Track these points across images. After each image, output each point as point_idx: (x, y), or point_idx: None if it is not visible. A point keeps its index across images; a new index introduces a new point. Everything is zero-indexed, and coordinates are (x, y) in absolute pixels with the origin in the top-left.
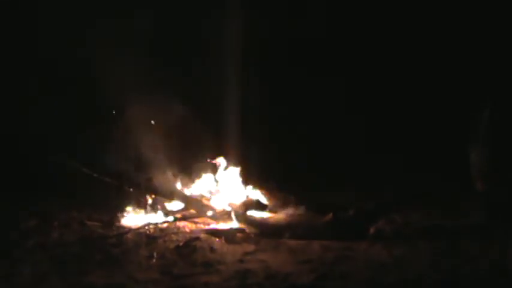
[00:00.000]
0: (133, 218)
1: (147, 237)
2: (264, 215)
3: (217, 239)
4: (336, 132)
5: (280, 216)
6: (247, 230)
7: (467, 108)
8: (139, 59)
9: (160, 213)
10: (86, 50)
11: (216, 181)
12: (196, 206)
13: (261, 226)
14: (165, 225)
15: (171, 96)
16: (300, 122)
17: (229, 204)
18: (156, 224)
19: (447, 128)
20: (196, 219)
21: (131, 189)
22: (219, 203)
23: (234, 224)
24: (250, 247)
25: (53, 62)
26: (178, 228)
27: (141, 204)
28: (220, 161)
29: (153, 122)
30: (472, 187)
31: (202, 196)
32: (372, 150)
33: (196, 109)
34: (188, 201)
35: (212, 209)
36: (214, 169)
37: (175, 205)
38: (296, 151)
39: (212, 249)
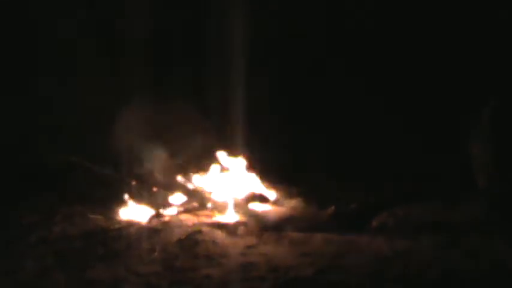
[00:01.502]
0: (135, 212)
1: (149, 230)
2: (266, 208)
3: (219, 232)
4: (338, 128)
5: (282, 209)
6: (249, 223)
7: (470, 104)
8: (141, 57)
9: (162, 206)
10: (86, 49)
11: (219, 174)
12: (198, 199)
13: (263, 219)
14: (167, 218)
15: (174, 92)
16: (302, 116)
17: (232, 197)
18: (158, 217)
19: (449, 124)
20: (198, 213)
21: (133, 183)
22: (221, 196)
23: (236, 217)
24: (252, 240)
25: (52, 60)
26: (180, 221)
27: (143, 198)
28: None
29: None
30: (474, 183)
31: (204, 189)
32: (374, 146)
33: (200, 103)
34: (190, 194)
35: (214, 202)
36: (216, 162)
37: (178, 198)
38: (299, 145)
39: (214, 243)
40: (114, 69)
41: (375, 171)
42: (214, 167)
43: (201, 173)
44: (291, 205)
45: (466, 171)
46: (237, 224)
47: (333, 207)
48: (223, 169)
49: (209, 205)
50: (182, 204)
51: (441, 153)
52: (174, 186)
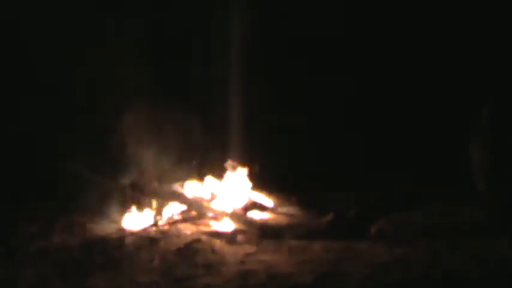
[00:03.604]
0: (134, 221)
1: (148, 239)
2: (265, 216)
3: (218, 241)
4: (337, 133)
5: (281, 217)
6: (248, 232)
7: (468, 107)
8: (139, 60)
9: (161, 215)
10: (85, 50)
11: (217, 182)
12: (197, 208)
13: (262, 227)
14: (166, 227)
15: (172, 97)
16: (301, 122)
17: (230, 206)
18: (157, 226)
19: (448, 127)
20: (197, 221)
21: (132, 192)
22: (220, 205)
23: (234, 225)
24: (252, 248)
25: (51, 63)
26: (179, 230)
27: (142, 207)
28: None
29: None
30: (473, 186)
31: (203, 198)
32: (373, 151)
33: (198, 111)
34: (189, 203)
35: (213, 210)
36: (215, 170)
37: (176, 207)
38: (298, 152)
39: (213, 251)
40: (114, 71)
41: (374, 176)
42: (213, 176)
43: (200, 182)
44: (289, 213)
45: (466, 174)
46: (236, 233)
47: (331, 214)
48: (221, 177)
49: (208, 214)
50: (181, 213)
51: (440, 156)
52: (172, 195)
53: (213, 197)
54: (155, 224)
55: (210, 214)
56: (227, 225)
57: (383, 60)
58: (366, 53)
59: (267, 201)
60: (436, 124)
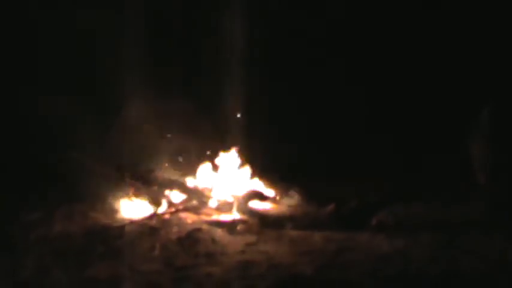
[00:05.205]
0: (135, 210)
1: (149, 228)
2: (266, 206)
3: (219, 230)
4: (339, 124)
5: (282, 207)
6: (249, 221)
7: (470, 102)
8: (141, 53)
9: (162, 204)
10: (85, 43)
11: (219, 172)
12: (198, 197)
13: (263, 217)
14: (166, 216)
15: (173, 89)
16: (302, 113)
17: (232, 195)
18: (158, 215)
19: (449, 123)
20: (198, 211)
21: (134, 181)
22: (221, 194)
23: (235, 215)
24: (252, 238)
25: (52, 55)
26: (180, 219)
27: (143, 196)
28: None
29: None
30: (474, 181)
31: (204, 187)
32: (374, 145)
33: (199, 101)
34: (190, 192)
35: (214, 200)
36: (216, 160)
37: (177, 196)
38: (299, 142)
39: (214, 241)
40: (115, 68)
41: (375, 169)
42: (214, 165)
43: (201, 171)
44: (290, 203)
45: (466, 170)
46: (237, 222)
47: (332, 206)
48: (223, 167)
49: (209, 203)
50: (182, 202)
51: (442, 152)
52: (173, 184)
53: (214, 187)
54: (156, 213)
55: (211, 203)
56: (228, 215)
57: (384, 62)
58: (365, 54)
59: (269, 191)
60: (439, 120)
